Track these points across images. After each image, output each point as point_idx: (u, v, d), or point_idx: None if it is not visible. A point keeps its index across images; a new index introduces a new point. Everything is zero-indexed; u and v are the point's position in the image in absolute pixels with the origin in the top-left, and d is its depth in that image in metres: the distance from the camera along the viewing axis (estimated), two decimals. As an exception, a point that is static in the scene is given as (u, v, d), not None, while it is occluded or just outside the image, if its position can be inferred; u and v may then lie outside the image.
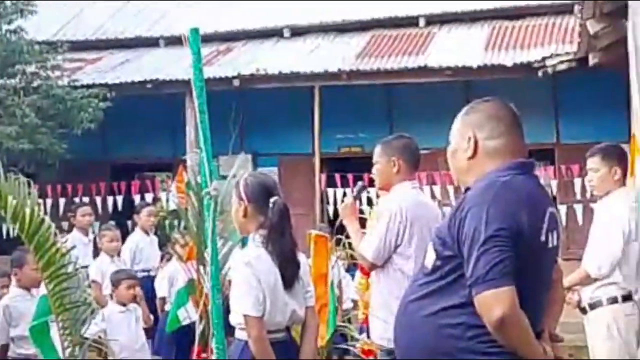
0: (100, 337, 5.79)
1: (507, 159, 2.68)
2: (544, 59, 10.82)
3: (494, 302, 2.42)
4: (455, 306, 2.55)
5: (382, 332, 4.23)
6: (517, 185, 2.61)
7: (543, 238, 2.59)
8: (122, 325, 6.24)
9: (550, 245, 2.63)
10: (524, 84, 11.08)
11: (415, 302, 2.66)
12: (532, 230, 2.54)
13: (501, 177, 2.62)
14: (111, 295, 6.97)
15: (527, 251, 2.50)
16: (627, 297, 4.82)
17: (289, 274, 3.65)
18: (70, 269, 5.27)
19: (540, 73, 10.79)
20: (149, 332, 6.83)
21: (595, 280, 4.86)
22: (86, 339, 5.43)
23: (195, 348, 5.76)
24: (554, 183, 11.10)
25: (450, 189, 10.07)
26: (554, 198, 11.26)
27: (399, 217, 4.27)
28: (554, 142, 12.14)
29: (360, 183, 5.01)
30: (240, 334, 3.68)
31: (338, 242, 5.64)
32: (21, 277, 5.71)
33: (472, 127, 2.73)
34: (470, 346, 2.52)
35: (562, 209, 11.12)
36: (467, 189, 2.70)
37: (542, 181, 8.55)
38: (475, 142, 2.70)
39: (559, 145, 12.04)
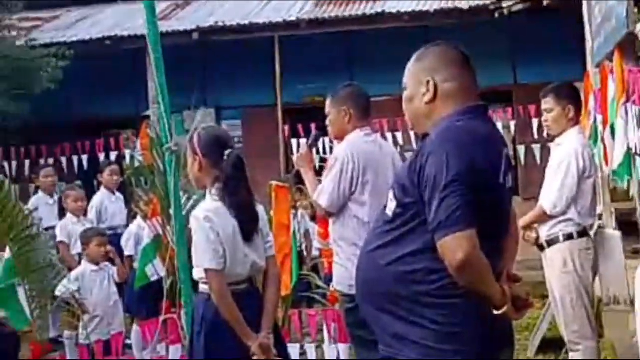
0: (73, 296, 5.84)
1: (463, 101, 2.70)
2: (499, 0, 10.84)
3: (456, 246, 2.44)
4: (416, 252, 2.57)
5: (342, 279, 4.29)
6: (474, 129, 2.63)
7: (501, 180, 2.62)
8: (95, 284, 6.29)
9: (507, 186, 2.67)
10: (481, 26, 11.12)
11: (377, 251, 2.68)
12: (491, 173, 2.58)
13: (458, 121, 2.64)
14: (80, 255, 7.00)
15: (487, 194, 2.53)
16: (582, 233, 4.92)
17: (248, 226, 3.68)
18: (34, 230, 5.29)
19: (496, 15, 10.84)
20: (121, 289, 6.88)
21: (552, 217, 4.93)
22: (55, 298, 5.49)
23: (164, 303, 5.83)
24: (512, 124, 11.21)
25: (412, 134, 10.13)
26: (513, 139, 11.40)
27: (350, 164, 4.29)
28: (512, 83, 12.23)
29: (314, 132, 5.04)
30: (203, 288, 3.72)
31: (300, 191, 5.69)
32: (-14, 240, 5.71)
33: (428, 71, 2.73)
34: (432, 290, 2.56)
35: (521, 149, 11.26)
36: (425, 135, 2.72)
37: (499, 123, 8.62)
38: (435, 86, 2.71)
39: (517, 87, 12.13)
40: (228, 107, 13.15)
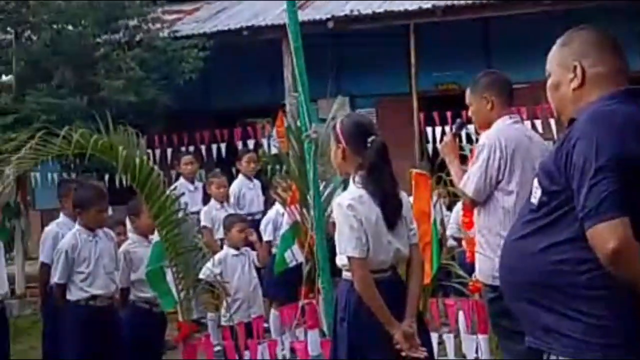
0: (216, 279, 6.05)
1: (611, 86, 2.61)
2: (646, -21, 10.37)
3: (608, 235, 2.35)
4: (564, 241, 2.50)
5: (486, 269, 4.22)
6: (625, 112, 2.52)
7: None
8: (236, 268, 6.50)
9: None
10: (627, 7, 10.66)
11: (522, 240, 2.62)
12: None
13: (607, 106, 2.55)
14: (222, 240, 7.24)
15: (639, 181, 2.42)
16: None
17: (391, 213, 3.67)
18: (180, 215, 5.51)
19: (642, -5, 10.38)
20: (259, 274, 7.05)
21: None
22: (200, 280, 5.70)
23: (303, 288, 5.93)
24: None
25: (552, 122, 9.86)
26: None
27: (498, 151, 4.19)
28: (661, 67, 11.70)
29: (459, 120, 4.98)
30: (346, 275, 3.74)
31: (438, 180, 5.65)
32: (138, 224, 5.99)
33: (576, 56, 2.66)
34: (582, 281, 2.47)
35: (671, 136, 10.72)
36: (571, 121, 2.63)
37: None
38: (583, 71, 2.63)
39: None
40: (362, 96, 13.18)
